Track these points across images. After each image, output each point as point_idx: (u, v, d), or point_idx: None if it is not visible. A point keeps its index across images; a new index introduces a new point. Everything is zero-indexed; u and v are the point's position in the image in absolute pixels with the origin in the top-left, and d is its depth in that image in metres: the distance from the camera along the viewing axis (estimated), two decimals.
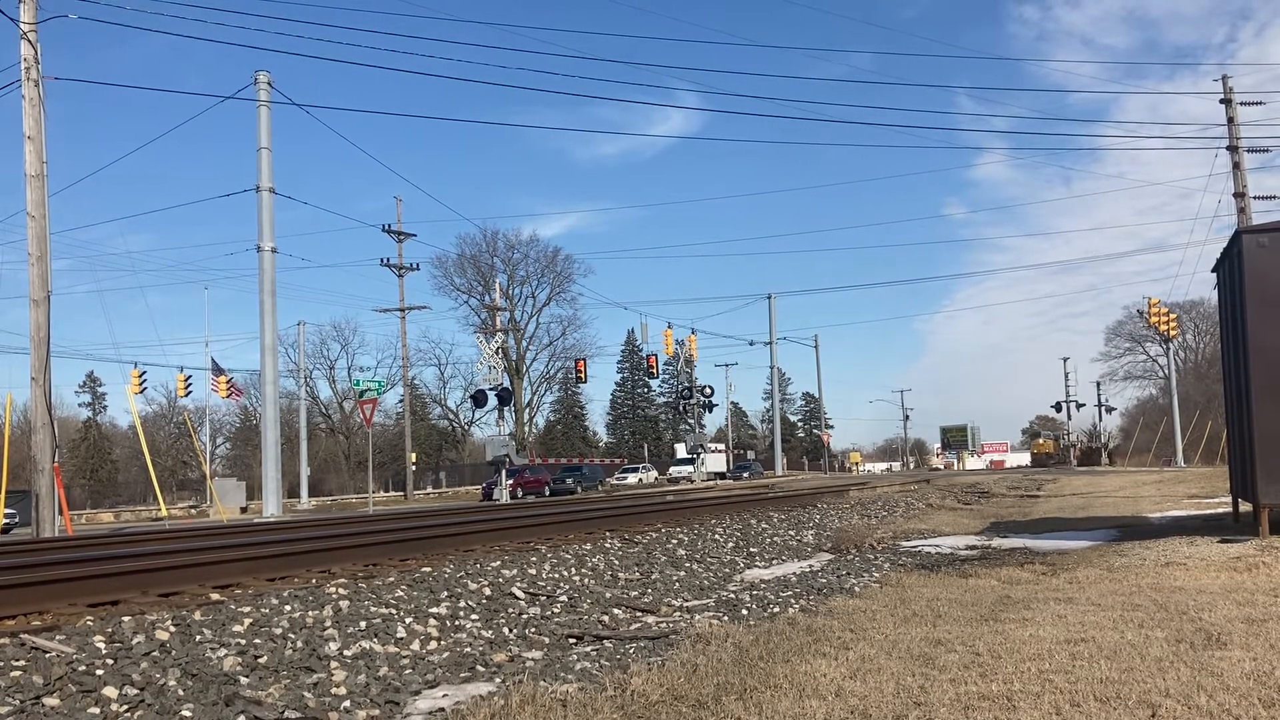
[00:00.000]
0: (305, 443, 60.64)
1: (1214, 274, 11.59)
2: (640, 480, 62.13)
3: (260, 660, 4.91)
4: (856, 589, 7.65)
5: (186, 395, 51.90)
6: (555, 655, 5.43)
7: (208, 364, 47.93)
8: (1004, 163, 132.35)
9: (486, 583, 7.40)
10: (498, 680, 4.78)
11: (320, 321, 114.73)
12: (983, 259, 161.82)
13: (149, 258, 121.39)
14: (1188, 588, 6.88)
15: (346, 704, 4.35)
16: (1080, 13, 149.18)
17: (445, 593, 6.89)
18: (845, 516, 16.18)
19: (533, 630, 6.14)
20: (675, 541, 11.07)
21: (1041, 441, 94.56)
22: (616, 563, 9.14)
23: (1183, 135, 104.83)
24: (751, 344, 73.96)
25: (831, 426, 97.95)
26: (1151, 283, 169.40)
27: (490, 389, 40.21)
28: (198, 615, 5.72)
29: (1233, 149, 33.61)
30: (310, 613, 5.91)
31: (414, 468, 57.77)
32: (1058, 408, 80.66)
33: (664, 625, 6.28)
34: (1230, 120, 33.89)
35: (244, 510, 41.73)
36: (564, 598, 7.21)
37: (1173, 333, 50.32)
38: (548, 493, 48.64)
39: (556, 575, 8.12)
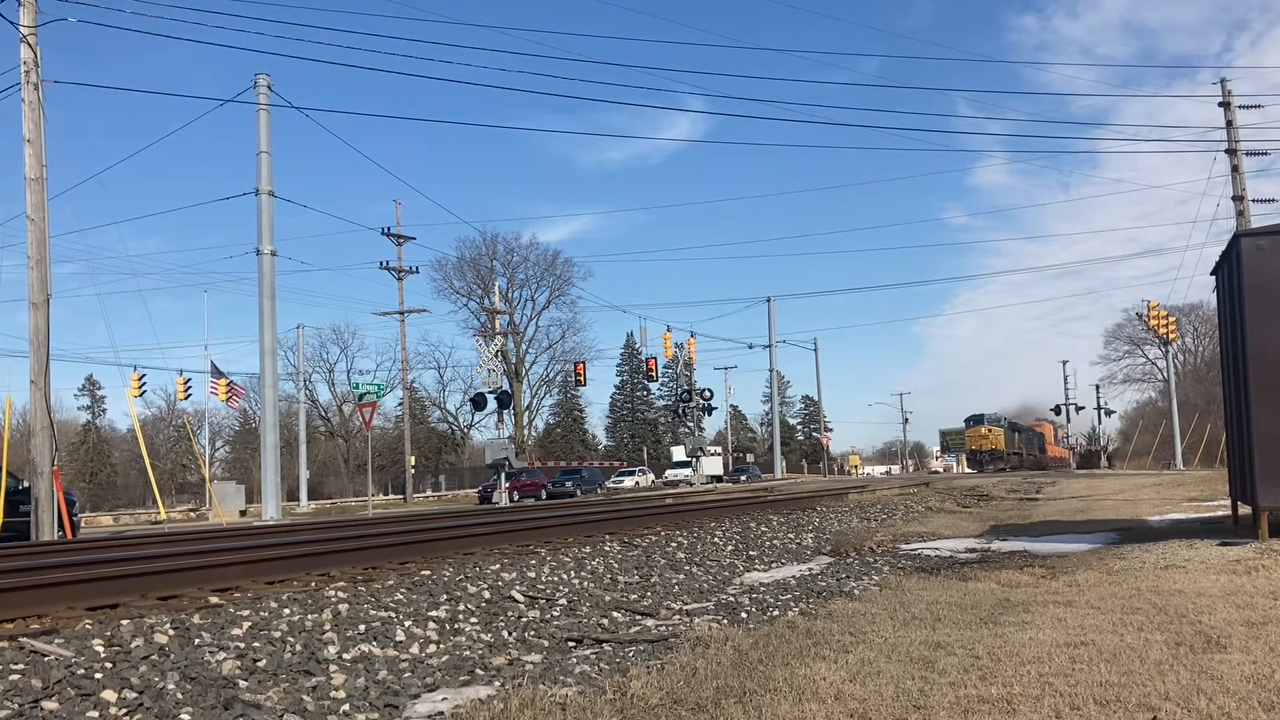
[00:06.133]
0: (304, 446, 60.60)
1: (1213, 277, 11.59)
2: (636, 484, 62.00)
3: (259, 663, 4.91)
4: (856, 592, 7.65)
5: (186, 398, 51.96)
6: (554, 658, 5.43)
7: (207, 367, 47.89)
8: (1003, 167, 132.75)
9: (486, 586, 7.39)
10: (497, 684, 4.77)
11: (320, 325, 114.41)
12: (982, 263, 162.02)
13: (149, 261, 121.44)
14: (1187, 591, 6.87)
15: (345, 707, 4.35)
16: (1079, 23, 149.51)
17: (444, 596, 6.89)
18: (844, 519, 16.17)
19: (532, 633, 6.13)
20: (674, 544, 11.06)
21: (985, 431, 66.13)
22: (616, 566, 9.14)
23: (1181, 140, 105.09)
24: (751, 347, 74.02)
25: (831, 429, 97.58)
26: (1150, 286, 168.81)
27: (489, 392, 40.15)
28: (197, 618, 5.72)
29: (1231, 152, 33.67)
30: (309, 616, 5.90)
31: (413, 471, 57.77)
32: (1057, 410, 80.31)
33: (663, 628, 6.28)
34: (1229, 123, 33.94)
35: (243, 513, 41.58)
36: (563, 601, 7.20)
37: (1172, 336, 50.39)
38: (544, 496, 48.59)
39: (556, 578, 8.12)
